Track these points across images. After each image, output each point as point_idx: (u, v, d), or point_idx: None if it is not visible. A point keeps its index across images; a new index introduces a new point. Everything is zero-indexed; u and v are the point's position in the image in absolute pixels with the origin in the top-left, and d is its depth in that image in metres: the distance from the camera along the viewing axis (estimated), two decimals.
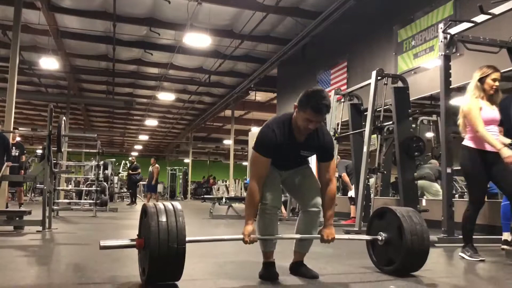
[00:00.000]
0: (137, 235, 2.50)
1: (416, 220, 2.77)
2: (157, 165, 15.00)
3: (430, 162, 8.10)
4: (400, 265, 2.74)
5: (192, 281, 2.62)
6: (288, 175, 2.78)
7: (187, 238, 2.32)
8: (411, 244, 2.67)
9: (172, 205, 2.41)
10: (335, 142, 7.51)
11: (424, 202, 6.73)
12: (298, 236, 2.71)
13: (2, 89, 12.49)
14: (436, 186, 7.42)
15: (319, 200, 2.70)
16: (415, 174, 6.48)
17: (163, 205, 2.40)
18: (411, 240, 2.67)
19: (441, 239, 4.65)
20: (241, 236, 2.51)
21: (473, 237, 3.68)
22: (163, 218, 2.30)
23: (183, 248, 2.28)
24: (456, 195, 7.93)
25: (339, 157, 8.01)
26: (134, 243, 2.42)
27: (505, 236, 4.15)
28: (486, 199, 6.89)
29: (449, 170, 4.76)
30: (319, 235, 2.67)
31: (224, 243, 4.83)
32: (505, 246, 4.06)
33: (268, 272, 2.67)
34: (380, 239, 2.82)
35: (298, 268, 2.76)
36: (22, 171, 9.12)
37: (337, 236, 2.69)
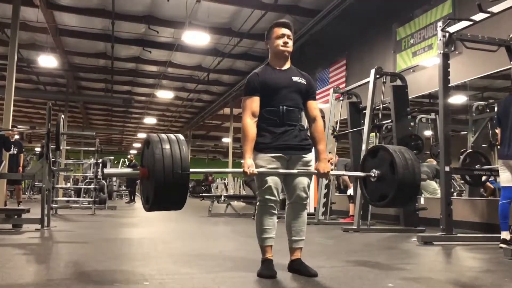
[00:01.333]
0: (140, 165, 2.53)
1: (408, 156, 2.82)
2: None
3: (427, 161, 8.11)
4: (392, 198, 2.79)
5: (190, 279, 2.63)
6: (290, 167, 2.75)
7: (191, 170, 2.38)
8: (403, 178, 2.73)
9: (175, 135, 2.46)
10: (333, 140, 7.53)
11: (422, 200, 6.74)
12: (295, 171, 2.71)
13: (0, 87, 12.46)
14: (433, 185, 7.44)
15: (305, 195, 2.76)
16: None
17: (166, 135, 2.45)
18: (403, 174, 2.73)
19: (439, 237, 4.66)
20: (242, 170, 2.58)
21: (471, 235, 3.69)
22: (167, 146, 2.34)
23: (187, 174, 2.33)
24: (454, 193, 7.94)
25: (337, 156, 8.02)
26: (137, 171, 2.46)
27: (504, 235, 4.16)
28: (485, 198, 6.94)
29: (447, 169, 4.77)
30: (316, 171, 2.75)
31: (222, 241, 4.83)
32: (503, 245, 4.07)
33: (267, 270, 2.67)
34: (373, 175, 2.88)
35: (296, 266, 2.76)
36: (21, 169, 9.11)
37: (332, 172, 2.83)
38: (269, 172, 2.66)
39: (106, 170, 2.49)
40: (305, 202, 2.79)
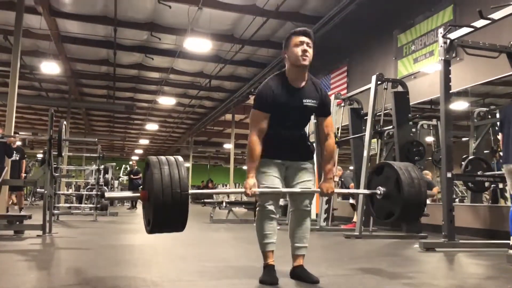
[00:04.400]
0: (141, 188, 2.54)
1: (414, 174, 2.80)
2: None
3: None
4: (398, 216, 2.78)
5: (192, 285, 2.62)
6: (289, 174, 2.76)
7: (190, 191, 2.37)
8: (409, 196, 2.71)
9: (174, 157, 2.46)
10: (335, 146, 7.53)
11: None
12: (298, 190, 2.70)
13: (3, 93, 12.50)
14: None
15: (308, 202, 2.75)
16: None
17: (165, 157, 2.45)
18: (409, 192, 2.71)
19: (441, 243, 4.65)
20: (243, 190, 2.57)
21: (473, 241, 3.67)
22: (166, 167, 2.34)
23: (186, 195, 2.31)
24: (456, 200, 7.93)
25: (340, 168, 8.03)
26: (138, 194, 2.46)
27: None
28: (487, 204, 6.92)
29: (449, 175, 4.76)
30: (319, 189, 2.72)
31: (224, 248, 4.82)
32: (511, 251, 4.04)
33: (268, 276, 2.66)
34: (379, 193, 2.86)
35: (298, 272, 2.75)
36: (23, 175, 9.12)
37: (336, 190, 2.77)
38: (271, 192, 2.65)
39: (107, 194, 2.64)
40: (309, 208, 2.77)
